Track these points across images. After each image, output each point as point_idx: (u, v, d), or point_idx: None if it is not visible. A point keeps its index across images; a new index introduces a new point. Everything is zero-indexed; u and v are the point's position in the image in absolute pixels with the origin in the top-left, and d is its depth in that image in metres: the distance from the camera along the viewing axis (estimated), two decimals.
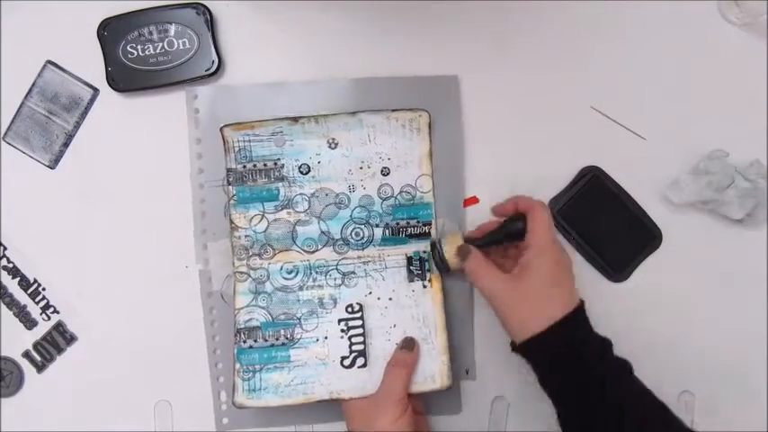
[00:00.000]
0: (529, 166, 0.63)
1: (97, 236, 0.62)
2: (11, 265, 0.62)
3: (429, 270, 0.60)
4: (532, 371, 0.53)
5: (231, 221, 0.60)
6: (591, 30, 0.64)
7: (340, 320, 0.59)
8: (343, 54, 0.62)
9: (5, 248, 0.62)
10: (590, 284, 0.62)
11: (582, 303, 0.53)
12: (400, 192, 0.61)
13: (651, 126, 0.63)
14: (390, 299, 0.60)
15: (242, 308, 0.59)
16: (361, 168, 0.60)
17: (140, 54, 0.60)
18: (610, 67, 0.64)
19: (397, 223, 0.60)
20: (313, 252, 0.60)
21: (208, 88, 0.61)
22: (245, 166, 0.59)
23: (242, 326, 0.59)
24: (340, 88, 0.62)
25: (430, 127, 0.60)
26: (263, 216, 0.60)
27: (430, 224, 0.61)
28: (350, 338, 0.59)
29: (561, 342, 0.51)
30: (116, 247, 0.62)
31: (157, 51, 0.61)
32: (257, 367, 0.58)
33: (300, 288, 0.60)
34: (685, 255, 0.64)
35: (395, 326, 0.59)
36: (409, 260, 0.60)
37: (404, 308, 0.60)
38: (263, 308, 0.59)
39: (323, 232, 0.60)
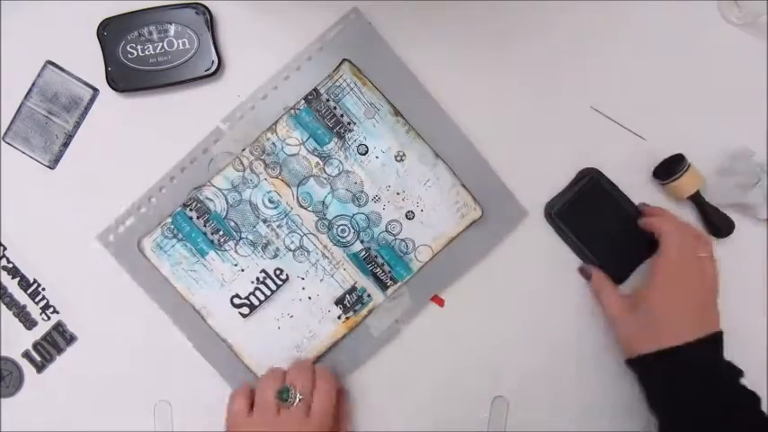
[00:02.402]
0: (526, 167, 0.63)
1: (97, 236, 0.62)
2: (11, 265, 0.62)
3: (353, 312, 0.61)
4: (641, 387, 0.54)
5: (276, 123, 0.61)
6: (591, 29, 0.64)
7: (263, 271, 0.61)
8: None
9: (5, 248, 0.62)
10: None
11: (718, 335, 0.52)
12: (402, 240, 0.61)
13: (651, 126, 0.63)
14: (310, 298, 0.61)
15: (214, 187, 0.61)
16: (398, 194, 0.61)
17: (140, 54, 0.60)
18: (609, 68, 0.64)
19: (375, 256, 0.61)
20: (301, 207, 0.61)
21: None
22: (328, 101, 0.61)
23: (201, 198, 0.60)
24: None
25: (472, 223, 0.61)
26: (300, 144, 0.61)
27: (395, 282, 0.61)
28: (255, 289, 0.61)
29: (679, 366, 0.50)
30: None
31: (157, 51, 0.61)
32: (180, 236, 0.60)
33: (265, 221, 0.61)
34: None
35: (291, 317, 0.61)
36: (352, 288, 0.61)
37: (310, 317, 0.61)
38: (227, 204, 0.61)
39: (323, 203, 0.61)
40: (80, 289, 0.62)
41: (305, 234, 0.61)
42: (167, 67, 0.61)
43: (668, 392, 0.50)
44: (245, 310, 0.61)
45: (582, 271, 0.62)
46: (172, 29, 0.61)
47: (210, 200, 0.61)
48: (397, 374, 0.63)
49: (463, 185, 0.61)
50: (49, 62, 0.61)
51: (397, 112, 0.61)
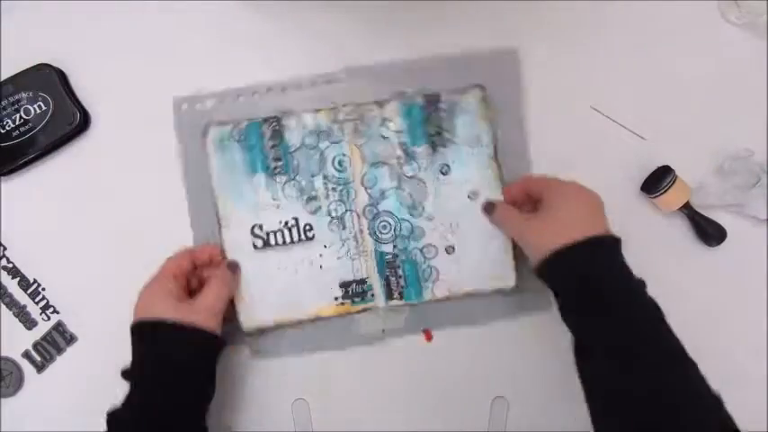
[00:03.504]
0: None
1: (97, 236, 0.62)
2: (11, 265, 0.62)
3: (351, 302, 0.61)
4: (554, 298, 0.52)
5: (388, 102, 0.61)
6: (591, 29, 0.64)
7: (295, 218, 0.61)
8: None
9: (5, 248, 0.62)
10: None
11: (615, 237, 0.51)
12: (430, 266, 0.61)
13: (651, 126, 0.63)
14: (321, 267, 0.61)
15: (301, 121, 0.60)
16: (450, 225, 0.61)
17: (2, 131, 0.60)
18: (609, 68, 0.64)
19: (399, 266, 0.61)
20: (362, 185, 0.61)
21: None
22: (443, 111, 0.61)
23: (283, 122, 0.60)
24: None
25: (499, 290, 0.61)
26: (395, 132, 0.61)
27: (401, 298, 0.61)
28: (279, 231, 0.61)
29: (582, 262, 0.49)
30: (116, 247, 0.62)
31: (17, 123, 0.61)
32: (244, 144, 0.60)
33: (324, 177, 0.61)
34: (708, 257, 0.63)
35: (296, 273, 0.61)
36: (362, 281, 0.61)
37: (311, 284, 0.61)
38: (302, 142, 0.60)
39: (383, 193, 0.61)
40: (80, 289, 0.62)
41: (350, 210, 0.61)
42: (32, 135, 0.60)
43: (583, 290, 0.49)
44: (260, 242, 0.61)
45: (485, 207, 0.60)
46: (23, 96, 0.61)
47: (290, 130, 0.61)
48: (396, 375, 0.63)
49: (514, 254, 0.61)
50: None
51: (495, 157, 0.61)
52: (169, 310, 0.52)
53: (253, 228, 0.61)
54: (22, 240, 0.62)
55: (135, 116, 0.62)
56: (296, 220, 0.61)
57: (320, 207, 0.61)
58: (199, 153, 0.61)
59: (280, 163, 0.60)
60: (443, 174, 0.61)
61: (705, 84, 0.64)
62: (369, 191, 0.61)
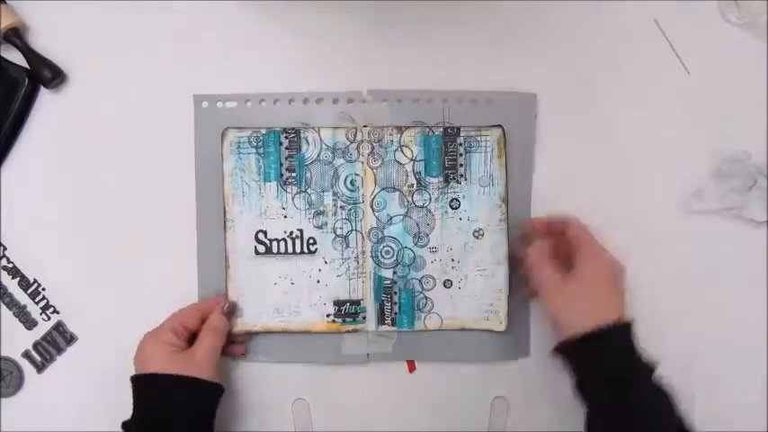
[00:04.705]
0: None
1: (97, 236, 0.62)
2: (11, 265, 0.62)
3: (341, 321, 0.61)
4: (572, 374, 0.53)
5: (407, 128, 0.61)
6: (590, 30, 0.64)
7: (300, 230, 0.61)
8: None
9: (5, 248, 0.62)
10: None
11: (630, 321, 0.53)
12: (426, 297, 0.61)
13: (650, 126, 0.63)
14: (318, 282, 0.61)
15: (319, 135, 0.61)
16: (452, 260, 0.61)
17: None
18: (609, 67, 0.64)
19: (395, 293, 0.61)
20: (371, 207, 0.61)
21: None
22: (460, 145, 0.61)
23: (302, 134, 0.61)
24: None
25: (490, 330, 0.62)
26: (411, 160, 0.61)
27: (393, 325, 0.61)
28: (282, 240, 0.61)
29: (608, 345, 0.51)
30: (116, 247, 0.62)
31: None
32: (260, 150, 0.60)
33: (334, 194, 0.61)
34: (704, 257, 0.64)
35: (292, 284, 0.61)
36: (356, 302, 0.61)
37: (306, 296, 0.61)
38: (317, 157, 0.61)
39: (390, 218, 0.61)
40: (80, 289, 0.62)
41: (356, 230, 0.61)
42: None
43: (596, 375, 0.52)
44: (261, 248, 0.61)
45: (521, 238, 0.61)
46: None
47: (308, 143, 0.61)
48: (395, 375, 0.63)
49: (509, 297, 0.61)
50: None
51: (505, 200, 0.61)
52: (163, 362, 0.53)
53: (257, 233, 0.61)
54: (22, 240, 0.62)
55: (141, 113, 0.63)
56: (301, 231, 0.61)
57: (326, 223, 0.61)
58: (213, 153, 0.61)
59: (293, 174, 0.61)
60: (453, 208, 0.61)
61: (704, 84, 0.64)
62: (377, 214, 0.61)
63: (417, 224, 0.61)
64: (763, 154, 0.63)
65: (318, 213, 0.61)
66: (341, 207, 0.61)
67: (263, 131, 0.61)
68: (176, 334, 0.55)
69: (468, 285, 0.61)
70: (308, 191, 0.61)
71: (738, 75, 0.64)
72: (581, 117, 0.64)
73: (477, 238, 0.61)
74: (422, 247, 0.61)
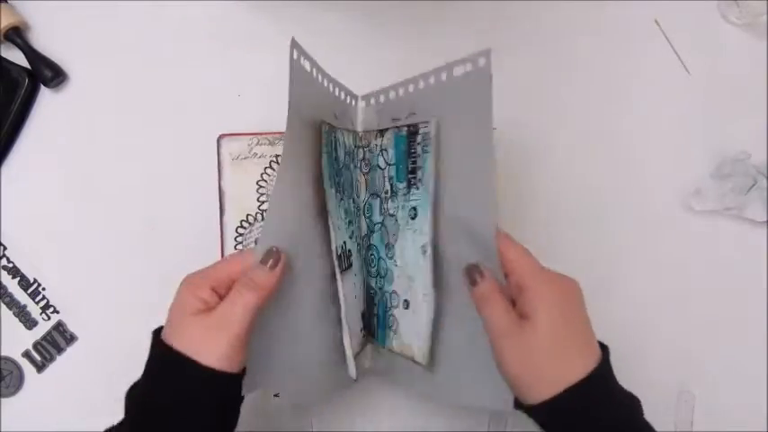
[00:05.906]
0: None
1: (97, 236, 0.62)
2: (11, 265, 0.62)
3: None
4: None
5: (387, 130, 0.51)
6: (590, 29, 0.64)
7: (344, 243, 0.52)
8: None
9: (5, 248, 0.62)
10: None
11: (604, 355, 0.42)
12: (392, 315, 0.53)
13: (650, 126, 0.63)
14: (344, 297, 0.51)
15: (342, 137, 0.52)
16: (409, 278, 0.51)
17: None
18: (609, 67, 0.64)
19: (377, 304, 0.55)
20: (363, 214, 0.54)
21: None
22: (419, 144, 0.49)
23: (336, 134, 0.50)
24: None
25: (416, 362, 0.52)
26: (386, 165, 0.52)
27: (373, 340, 0.55)
28: (339, 246, 0.51)
29: (579, 406, 0.41)
30: (116, 247, 0.62)
31: None
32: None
33: (353, 201, 0.53)
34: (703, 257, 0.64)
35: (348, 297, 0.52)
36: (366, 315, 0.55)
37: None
38: (342, 160, 0.52)
39: (374, 225, 0.53)
40: (80, 289, 0.62)
41: (355, 237, 0.55)
42: None
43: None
44: (344, 264, 0.52)
45: (469, 272, 0.45)
46: None
47: (339, 144, 0.51)
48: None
49: (432, 334, 0.49)
50: None
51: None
52: (188, 328, 0.46)
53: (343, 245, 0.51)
54: (22, 240, 0.62)
55: (141, 113, 0.63)
56: (344, 243, 0.52)
57: (353, 233, 0.53)
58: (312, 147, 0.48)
59: (338, 179, 0.51)
60: (411, 218, 0.50)
61: (705, 84, 0.64)
62: (366, 221, 0.54)
63: (388, 234, 0.52)
64: (763, 154, 0.63)
65: (350, 223, 0.53)
66: (354, 214, 0.54)
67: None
68: (216, 291, 0.45)
69: (419, 309, 0.50)
70: (345, 197, 0.52)
71: (738, 75, 0.64)
72: (581, 117, 0.64)
73: (424, 253, 0.49)
74: (390, 258, 0.52)
